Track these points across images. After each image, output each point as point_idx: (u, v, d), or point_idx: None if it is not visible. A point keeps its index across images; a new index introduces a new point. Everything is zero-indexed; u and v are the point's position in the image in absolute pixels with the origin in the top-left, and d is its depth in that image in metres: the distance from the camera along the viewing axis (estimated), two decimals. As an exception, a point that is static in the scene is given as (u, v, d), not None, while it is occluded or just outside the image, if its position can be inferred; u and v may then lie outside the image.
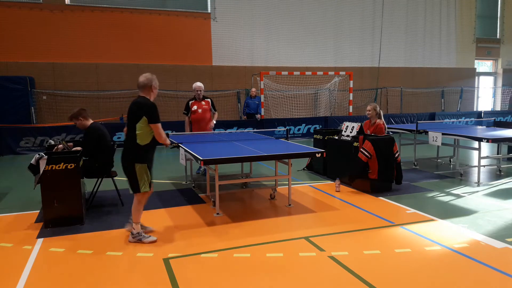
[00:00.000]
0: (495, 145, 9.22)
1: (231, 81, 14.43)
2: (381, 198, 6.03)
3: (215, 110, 7.95)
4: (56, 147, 5.67)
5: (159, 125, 4.26)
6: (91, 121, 5.77)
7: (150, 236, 4.38)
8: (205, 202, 5.93)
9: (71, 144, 5.88)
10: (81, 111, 5.69)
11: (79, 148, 5.65)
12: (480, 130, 8.09)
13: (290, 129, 13.58)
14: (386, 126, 7.23)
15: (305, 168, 8.28)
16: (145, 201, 4.43)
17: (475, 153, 7.57)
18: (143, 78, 4.37)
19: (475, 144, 7.05)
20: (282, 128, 11.01)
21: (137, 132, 4.18)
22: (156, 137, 4.28)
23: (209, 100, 7.90)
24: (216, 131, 8.99)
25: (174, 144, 6.52)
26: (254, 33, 14.61)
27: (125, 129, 4.42)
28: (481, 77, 18.95)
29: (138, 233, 4.33)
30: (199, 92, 7.72)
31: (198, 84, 7.82)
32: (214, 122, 7.94)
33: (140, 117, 4.18)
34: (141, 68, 13.38)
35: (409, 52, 16.92)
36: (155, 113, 4.24)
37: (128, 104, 4.41)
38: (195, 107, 7.76)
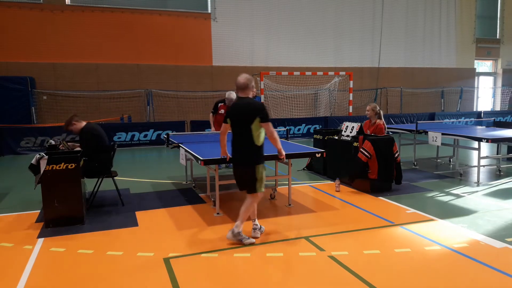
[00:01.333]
0: (495, 145, 9.23)
1: (231, 81, 14.35)
2: (381, 198, 6.04)
3: None
4: (61, 144, 5.69)
5: (271, 123, 4.22)
6: (83, 123, 5.77)
7: (250, 238, 4.31)
8: (205, 202, 5.94)
9: (76, 144, 5.86)
10: (72, 116, 5.74)
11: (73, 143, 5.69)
12: (480, 130, 8.10)
13: (290, 129, 13.59)
14: (386, 126, 7.24)
15: (305, 168, 8.28)
16: (258, 202, 4.42)
17: (475, 153, 7.58)
18: (243, 79, 4.25)
19: (475, 144, 7.06)
20: (282, 128, 11.01)
21: (253, 133, 4.15)
22: (269, 136, 4.25)
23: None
24: (216, 131, 9.01)
25: (174, 144, 6.54)
26: (254, 33, 14.62)
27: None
28: (481, 77, 18.96)
29: (239, 233, 4.24)
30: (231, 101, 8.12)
31: (233, 96, 8.00)
32: None
33: (254, 117, 4.11)
34: (141, 68, 13.40)
35: (409, 52, 16.93)
36: (267, 112, 4.24)
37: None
38: (222, 111, 8.14)
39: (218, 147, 6.08)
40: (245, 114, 4.16)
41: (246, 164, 4.25)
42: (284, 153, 4.42)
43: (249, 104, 4.19)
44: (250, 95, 4.30)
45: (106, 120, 12.35)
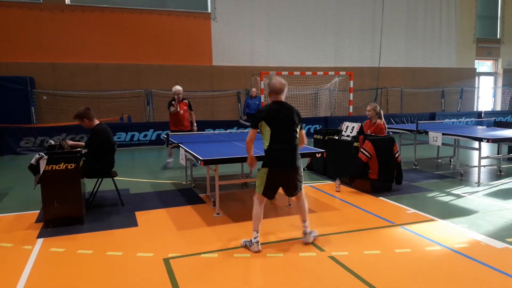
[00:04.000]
0: (495, 145, 9.22)
1: (231, 81, 14.43)
2: (381, 198, 6.03)
3: (191, 110, 8.70)
4: (63, 141, 5.67)
5: None
6: (96, 122, 5.71)
7: (313, 230, 4.38)
8: (205, 202, 5.93)
9: (75, 143, 5.85)
10: (86, 111, 5.59)
11: (80, 143, 5.66)
12: (480, 130, 8.09)
13: (290, 129, 13.55)
14: (387, 126, 7.23)
15: (305, 168, 8.28)
16: None
17: (475, 153, 7.57)
18: (279, 84, 4.16)
19: (475, 144, 7.05)
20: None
21: (297, 136, 4.22)
22: (304, 141, 4.36)
23: (186, 101, 8.65)
24: (216, 131, 9.05)
25: (174, 144, 6.53)
26: (254, 33, 14.61)
27: None
28: (481, 77, 18.95)
29: (311, 231, 4.32)
30: (180, 95, 8.47)
31: (179, 88, 8.55)
32: (195, 124, 8.79)
33: (300, 122, 4.25)
34: (141, 68, 13.40)
35: (409, 52, 16.92)
36: None
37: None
38: (177, 108, 8.46)
39: (219, 147, 6.10)
40: (294, 118, 4.15)
41: (297, 167, 4.21)
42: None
43: (292, 108, 4.23)
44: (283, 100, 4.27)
45: (106, 120, 12.33)
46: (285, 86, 4.21)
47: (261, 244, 4.25)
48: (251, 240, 4.10)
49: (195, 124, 8.74)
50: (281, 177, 4.16)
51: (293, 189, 4.26)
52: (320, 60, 15.52)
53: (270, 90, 4.20)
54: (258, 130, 4.17)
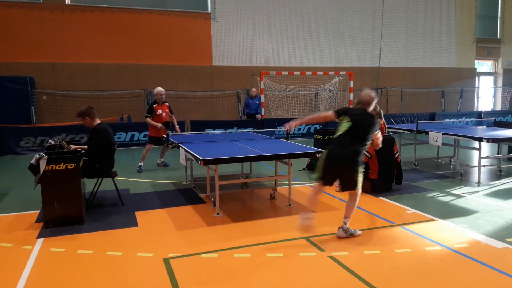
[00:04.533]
0: (495, 145, 9.21)
1: (231, 81, 14.42)
2: (381, 198, 6.03)
3: (172, 113, 8.70)
4: (63, 141, 5.68)
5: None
6: (98, 121, 5.72)
7: (356, 230, 4.53)
8: (205, 202, 5.93)
9: (74, 147, 5.84)
10: (89, 110, 5.64)
11: (83, 146, 5.65)
12: (481, 130, 8.09)
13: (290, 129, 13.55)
14: (387, 126, 7.23)
15: (305, 168, 8.27)
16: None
17: (476, 153, 7.57)
18: (368, 96, 4.53)
19: (476, 144, 7.05)
20: (282, 128, 11.02)
21: (368, 142, 4.45)
22: (380, 144, 4.70)
23: (167, 104, 8.57)
24: (216, 131, 9.04)
25: (174, 144, 6.53)
26: (254, 33, 14.61)
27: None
28: (482, 77, 18.94)
29: (348, 228, 4.46)
30: (163, 96, 8.36)
31: (161, 89, 8.44)
32: (177, 126, 8.78)
33: (375, 132, 4.50)
34: (141, 68, 13.40)
35: (409, 52, 16.91)
36: None
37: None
38: (159, 111, 8.35)
39: (219, 147, 6.10)
40: (371, 125, 4.42)
41: (354, 165, 4.35)
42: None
43: (373, 118, 4.50)
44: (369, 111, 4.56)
45: (106, 120, 12.32)
46: (372, 99, 4.53)
47: (261, 244, 4.26)
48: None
49: (177, 126, 8.70)
50: (339, 171, 4.38)
51: (349, 186, 4.49)
52: (320, 60, 15.51)
53: (359, 101, 4.59)
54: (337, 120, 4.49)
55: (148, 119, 8.26)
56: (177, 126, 8.70)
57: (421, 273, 3.56)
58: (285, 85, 14.73)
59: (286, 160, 5.64)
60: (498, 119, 15.63)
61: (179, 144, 6.20)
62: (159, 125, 8.17)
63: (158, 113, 8.27)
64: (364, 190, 6.35)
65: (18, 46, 12.12)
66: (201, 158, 4.90)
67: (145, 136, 12.25)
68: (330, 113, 4.57)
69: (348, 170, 4.33)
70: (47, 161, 4.74)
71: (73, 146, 5.78)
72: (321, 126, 13.97)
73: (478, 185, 6.80)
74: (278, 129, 12.32)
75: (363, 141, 4.40)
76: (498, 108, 18.85)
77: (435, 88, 17.40)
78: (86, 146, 5.72)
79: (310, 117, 4.83)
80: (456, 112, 16.95)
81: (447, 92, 17.64)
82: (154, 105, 8.31)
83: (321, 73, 14.04)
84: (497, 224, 4.81)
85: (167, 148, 8.56)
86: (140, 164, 8.36)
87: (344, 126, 4.38)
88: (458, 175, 7.52)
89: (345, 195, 6.21)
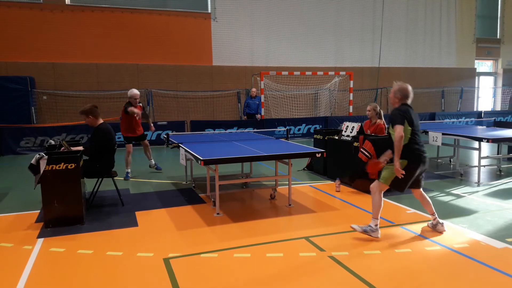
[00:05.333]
0: (495, 145, 9.21)
1: (231, 81, 14.43)
2: (381, 198, 6.03)
3: (147, 115, 8.70)
4: (64, 141, 5.68)
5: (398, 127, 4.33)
6: (101, 121, 5.73)
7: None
8: (205, 202, 5.93)
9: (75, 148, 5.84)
10: (93, 108, 5.65)
11: (79, 148, 5.65)
12: (480, 130, 8.09)
13: (290, 129, 13.58)
14: (387, 126, 7.22)
15: (305, 168, 8.28)
16: None
17: (475, 153, 7.57)
18: (408, 90, 4.49)
19: (475, 144, 7.05)
20: (282, 128, 11.02)
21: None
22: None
23: (141, 105, 8.30)
24: (216, 131, 9.02)
25: (174, 144, 6.53)
26: (254, 33, 14.61)
27: None
28: (481, 77, 18.94)
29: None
30: (137, 99, 8.03)
31: (137, 91, 8.07)
32: (152, 124, 8.68)
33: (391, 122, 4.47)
34: (141, 68, 13.40)
35: (409, 52, 16.92)
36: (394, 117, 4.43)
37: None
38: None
39: (219, 147, 6.10)
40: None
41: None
42: (397, 167, 4.24)
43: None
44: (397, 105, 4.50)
45: (106, 120, 12.32)
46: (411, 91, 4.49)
47: (261, 244, 4.27)
48: (371, 226, 4.40)
49: (152, 124, 8.59)
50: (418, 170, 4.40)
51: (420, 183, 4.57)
52: (320, 60, 15.52)
53: (402, 95, 4.44)
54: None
55: (131, 108, 7.72)
56: (151, 124, 8.60)
57: (421, 273, 3.56)
58: (285, 85, 14.73)
59: (286, 160, 5.65)
60: (498, 119, 15.63)
61: (179, 144, 6.20)
62: (136, 110, 7.72)
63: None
64: (364, 190, 6.37)
65: (18, 46, 12.12)
66: (201, 158, 4.90)
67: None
68: (399, 132, 4.20)
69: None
70: (47, 161, 4.74)
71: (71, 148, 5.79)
72: (321, 126, 13.98)
73: (478, 185, 6.80)
74: (278, 129, 12.33)
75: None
76: (498, 108, 18.85)
77: (435, 88, 17.41)
78: (81, 148, 5.68)
79: (397, 151, 4.25)
80: (456, 112, 16.95)
81: (447, 92, 17.64)
82: (129, 108, 7.72)
83: (321, 73, 14.05)
84: (497, 224, 4.81)
85: (146, 148, 8.29)
86: (127, 171, 7.83)
87: (408, 129, 4.30)
88: (458, 175, 7.52)
89: (345, 195, 6.21)
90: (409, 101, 4.46)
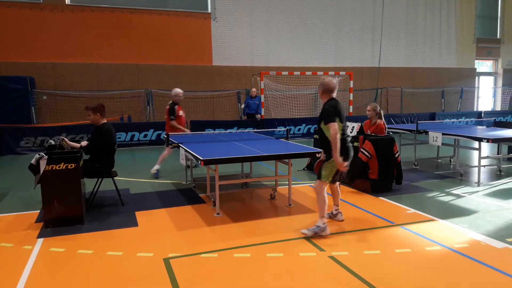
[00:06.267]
0: (495, 145, 9.21)
1: (231, 81, 14.43)
2: (381, 198, 6.03)
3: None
4: (64, 141, 5.67)
5: (333, 124, 4.37)
6: (104, 121, 5.74)
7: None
8: (205, 202, 5.93)
9: (75, 144, 5.83)
10: (101, 107, 5.68)
11: (79, 145, 5.65)
12: (480, 130, 8.09)
13: (290, 129, 13.58)
14: (387, 126, 7.23)
15: (305, 168, 8.28)
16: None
17: (475, 153, 7.57)
18: (334, 84, 4.58)
19: (475, 144, 7.05)
20: (282, 128, 11.01)
21: (325, 132, 4.53)
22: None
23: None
24: (216, 131, 9.03)
25: (174, 144, 6.53)
26: (254, 33, 14.61)
27: None
28: (481, 77, 18.95)
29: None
30: (181, 97, 8.18)
31: (180, 90, 8.21)
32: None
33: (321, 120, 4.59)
34: (141, 68, 13.40)
35: (409, 52, 16.92)
36: (327, 114, 4.47)
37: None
38: (180, 112, 8.25)
39: (219, 147, 6.10)
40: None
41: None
42: (339, 161, 4.34)
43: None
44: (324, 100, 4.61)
45: (106, 120, 12.33)
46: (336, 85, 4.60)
47: (261, 244, 4.27)
48: (319, 226, 4.45)
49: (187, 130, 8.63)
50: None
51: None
52: (320, 60, 15.52)
53: (324, 89, 4.55)
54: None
55: (175, 123, 7.94)
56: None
57: (421, 273, 3.56)
58: (285, 85, 14.73)
59: (286, 160, 5.65)
60: (498, 119, 15.63)
61: (179, 144, 6.20)
62: (188, 131, 7.91)
63: (179, 114, 8.11)
64: (364, 190, 6.38)
65: (18, 46, 12.12)
66: (201, 158, 4.90)
67: (145, 136, 12.27)
68: (335, 129, 4.28)
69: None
70: (47, 161, 4.74)
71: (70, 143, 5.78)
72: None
73: (478, 185, 6.80)
74: (278, 129, 12.33)
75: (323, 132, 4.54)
76: (498, 108, 18.85)
77: (435, 88, 17.41)
78: (78, 145, 5.68)
79: (335, 147, 4.32)
80: (456, 112, 16.95)
81: (447, 92, 17.64)
82: (175, 106, 8.02)
83: (321, 73, 14.03)
84: (497, 224, 4.81)
85: (168, 153, 8.17)
86: (157, 168, 7.83)
87: (339, 125, 4.41)
88: (458, 175, 7.52)
89: (345, 195, 6.21)
90: (334, 95, 4.55)
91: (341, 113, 4.47)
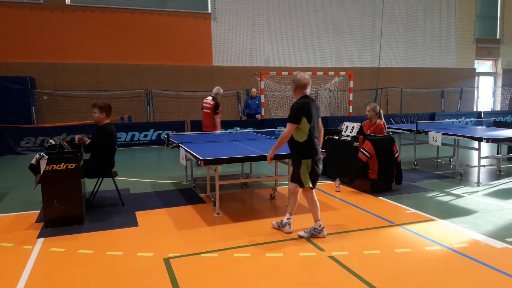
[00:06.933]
0: (495, 145, 9.22)
1: (231, 81, 14.43)
2: (381, 198, 6.04)
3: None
4: (63, 141, 5.69)
5: (291, 125, 4.25)
6: (107, 121, 5.73)
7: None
8: (205, 202, 5.94)
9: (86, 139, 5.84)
10: (108, 107, 5.67)
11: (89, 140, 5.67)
12: (480, 130, 8.10)
13: (290, 129, 13.54)
14: (386, 126, 7.23)
15: (305, 168, 8.26)
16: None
17: (475, 153, 7.58)
18: (307, 79, 4.37)
19: (475, 144, 7.06)
20: (282, 128, 10.99)
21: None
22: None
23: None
24: (216, 131, 9.05)
25: (174, 144, 6.53)
26: (254, 33, 14.62)
27: None
28: (481, 77, 18.95)
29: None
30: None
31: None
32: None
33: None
34: (141, 68, 13.40)
35: (409, 52, 16.92)
36: (293, 113, 4.29)
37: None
38: (220, 108, 8.61)
39: (219, 147, 6.10)
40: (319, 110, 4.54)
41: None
42: (270, 156, 4.49)
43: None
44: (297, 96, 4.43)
45: (110, 120, 12.33)
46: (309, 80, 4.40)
47: (261, 244, 4.27)
48: (316, 228, 4.41)
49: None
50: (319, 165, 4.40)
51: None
52: (320, 60, 15.52)
53: (296, 85, 4.34)
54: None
55: (219, 119, 8.41)
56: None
57: (421, 273, 3.57)
58: (285, 85, 14.72)
59: (286, 160, 5.65)
60: (497, 119, 15.64)
61: (179, 144, 6.21)
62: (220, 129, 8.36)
63: (220, 109, 8.55)
64: (364, 190, 6.38)
65: (18, 46, 12.13)
66: (201, 158, 4.91)
67: (145, 136, 12.27)
68: (289, 131, 4.21)
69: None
70: (48, 161, 4.75)
71: (78, 137, 5.81)
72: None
73: (478, 185, 6.81)
74: (278, 129, 12.33)
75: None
76: (498, 108, 18.85)
77: (435, 88, 17.41)
78: (88, 140, 5.76)
79: (278, 145, 4.38)
80: (455, 112, 16.95)
81: (447, 92, 17.65)
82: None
83: (321, 73, 14.04)
84: (497, 224, 4.81)
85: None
86: None
87: (306, 126, 4.23)
88: (458, 175, 7.52)
89: (345, 195, 6.22)
90: (307, 91, 4.35)
91: (311, 112, 4.24)
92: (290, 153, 4.49)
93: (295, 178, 4.39)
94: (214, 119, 8.37)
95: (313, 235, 4.42)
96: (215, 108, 8.32)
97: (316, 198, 4.48)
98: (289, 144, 4.39)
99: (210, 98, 8.51)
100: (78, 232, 4.70)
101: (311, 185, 4.35)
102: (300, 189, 4.46)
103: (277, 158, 5.62)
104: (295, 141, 4.30)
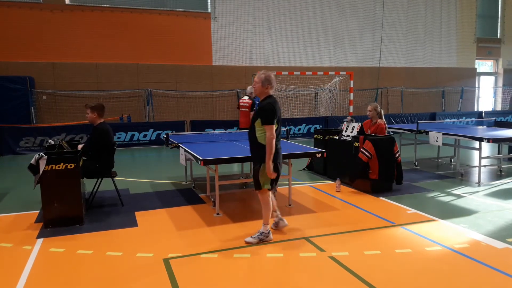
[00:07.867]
0: (496, 145, 9.21)
1: (231, 81, 14.41)
2: (381, 198, 6.02)
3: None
4: (63, 141, 5.69)
5: (271, 127, 4.12)
6: (101, 121, 5.73)
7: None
8: (205, 202, 5.92)
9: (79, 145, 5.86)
10: (101, 107, 5.69)
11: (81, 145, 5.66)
12: (481, 130, 8.08)
13: (290, 129, 13.58)
14: (387, 126, 7.22)
15: (306, 168, 8.27)
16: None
17: (476, 153, 7.56)
18: (271, 76, 4.28)
19: (476, 144, 7.04)
20: (282, 128, 11.00)
21: (256, 131, 4.21)
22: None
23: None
24: (216, 131, 9.09)
25: (174, 144, 6.52)
26: (254, 32, 14.60)
27: None
28: (482, 77, 18.93)
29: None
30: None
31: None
32: None
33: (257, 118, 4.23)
34: (141, 68, 13.39)
35: (409, 52, 16.90)
36: (266, 114, 4.16)
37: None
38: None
39: (219, 147, 6.09)
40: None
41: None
42: (270, 170, 4.13)
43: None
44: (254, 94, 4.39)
45: (106, 120, 12.31)
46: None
47: (261, 244, 4.26)
48: (263, 232, 4.31)
49: None
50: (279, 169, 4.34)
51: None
52: (320, 60, 15.50)
53: (268, 83, 4.22)
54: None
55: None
56: None
57: (421, 273, 3.55)
58: (285, 85, 14.72)
59: (286, 160, 5.63)
60: (498, 119, 15.63)
61: (179, 144, 6.20)
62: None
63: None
64: (365, 190, 6.37)
65: (18, 46, 12.11)
66: (201, 158, 4.90)
67: (145, 136, 12.26)
68: (272, 133, 4.07)
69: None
70: (47, 161, 4.74)
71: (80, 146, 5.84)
72: (321, 126, 13.97)
73: (479, 185, 6.79)
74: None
75: (254, 131, 4.24)
76: (499, 108, 18.84)
77: (435, 88, 17.39)
78: (80, 146, 5.77)
79: (269, 153, 4.11)
80: (456, 112, 16.94)
81: (448, 92, 17.63)
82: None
83: (321, 73, 14.03)
84: (498, 224, 4.80)
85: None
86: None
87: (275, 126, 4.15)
88: (459, 175, 7.51)
89: (345, 195, 6.21)
90: (272, 92, 4.27)
91: (277, 113, 4.17)
92: (251, 155, 4.36)
93: (255, 182, 4.25)
94: (250, 117, 8.72)
95: (261, 239, 4.28)
96: (252, 106, 8.90)
97: (271, 201, 4.38)
98: (252, 146, 4.27)
99: (246, 97, 9.09)
100: (77, 232, 4.69)
101: (269, 187, 4.27)
102: (258, 194, 4.32)
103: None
104: (259, 143, 4.15)
